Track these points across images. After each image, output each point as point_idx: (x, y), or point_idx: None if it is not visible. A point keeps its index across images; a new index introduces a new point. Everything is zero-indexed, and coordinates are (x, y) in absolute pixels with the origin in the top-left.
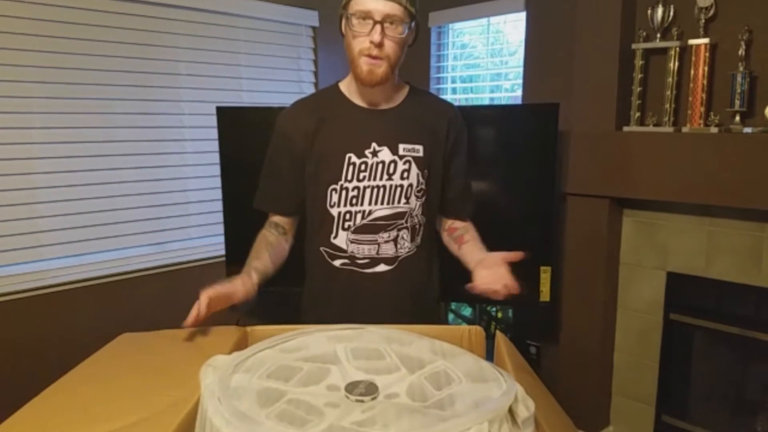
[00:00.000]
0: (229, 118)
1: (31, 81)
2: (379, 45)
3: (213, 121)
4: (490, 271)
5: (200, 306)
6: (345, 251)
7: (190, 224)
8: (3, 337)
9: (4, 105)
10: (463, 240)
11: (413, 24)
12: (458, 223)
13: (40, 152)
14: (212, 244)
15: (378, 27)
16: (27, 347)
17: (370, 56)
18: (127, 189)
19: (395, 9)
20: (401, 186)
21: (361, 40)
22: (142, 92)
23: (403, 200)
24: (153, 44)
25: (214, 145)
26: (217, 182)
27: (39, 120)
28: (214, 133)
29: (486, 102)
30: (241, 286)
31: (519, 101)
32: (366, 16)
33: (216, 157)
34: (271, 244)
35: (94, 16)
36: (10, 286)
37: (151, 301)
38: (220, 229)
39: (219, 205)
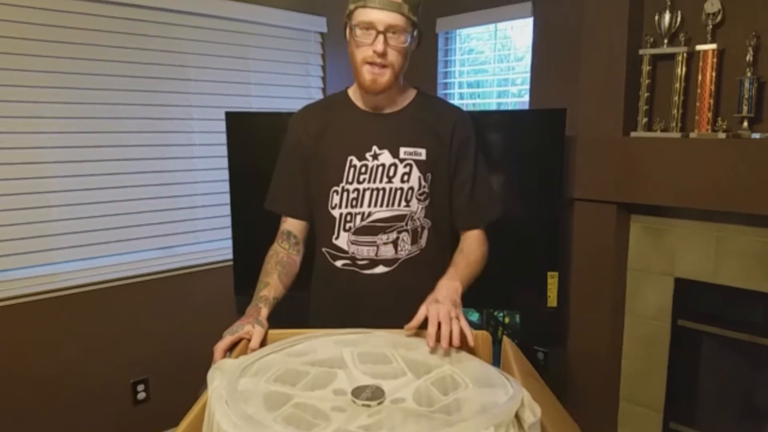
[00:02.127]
0: (238, 124)
1: (41, 86)
2: (382, 54)
3: (222, 126)
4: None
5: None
6: (346, 252)
7: (198, 228)
8: (14, 340)
9: (15, 109)
10: (454, 262)
11: (416, 33)
12: (468, 234)
13: (51, 157)
14: (221, 248)
15: (381, 37)
16: (37, 350)
17: (373, 64)
18: (136, 193)
19: (397, 19)
20: (401, 189)
21: (364, 50)
22: (151, 97)
23: (403, 203)
24: (162, 50)
25: (223, 150)
26: (226, 187)
27: (49, 125)
28: (223, 138)
29: (493, 107)
30: (257, 334)
31: (526, 106)
32: (369, 26)
33: (225, 162)
34: (281, 263)
35: (104, 22)
36: (21, 289)
37: (160, 304)
38: (229, 233)
39: (227, 210)
